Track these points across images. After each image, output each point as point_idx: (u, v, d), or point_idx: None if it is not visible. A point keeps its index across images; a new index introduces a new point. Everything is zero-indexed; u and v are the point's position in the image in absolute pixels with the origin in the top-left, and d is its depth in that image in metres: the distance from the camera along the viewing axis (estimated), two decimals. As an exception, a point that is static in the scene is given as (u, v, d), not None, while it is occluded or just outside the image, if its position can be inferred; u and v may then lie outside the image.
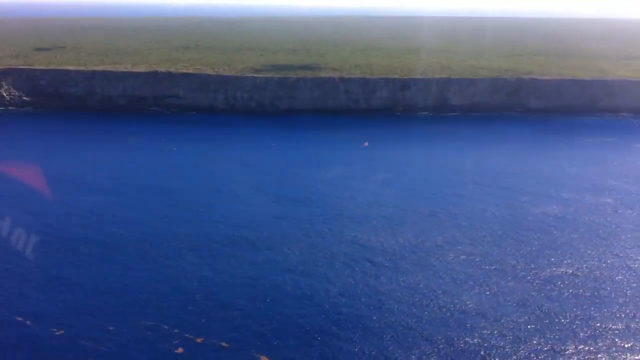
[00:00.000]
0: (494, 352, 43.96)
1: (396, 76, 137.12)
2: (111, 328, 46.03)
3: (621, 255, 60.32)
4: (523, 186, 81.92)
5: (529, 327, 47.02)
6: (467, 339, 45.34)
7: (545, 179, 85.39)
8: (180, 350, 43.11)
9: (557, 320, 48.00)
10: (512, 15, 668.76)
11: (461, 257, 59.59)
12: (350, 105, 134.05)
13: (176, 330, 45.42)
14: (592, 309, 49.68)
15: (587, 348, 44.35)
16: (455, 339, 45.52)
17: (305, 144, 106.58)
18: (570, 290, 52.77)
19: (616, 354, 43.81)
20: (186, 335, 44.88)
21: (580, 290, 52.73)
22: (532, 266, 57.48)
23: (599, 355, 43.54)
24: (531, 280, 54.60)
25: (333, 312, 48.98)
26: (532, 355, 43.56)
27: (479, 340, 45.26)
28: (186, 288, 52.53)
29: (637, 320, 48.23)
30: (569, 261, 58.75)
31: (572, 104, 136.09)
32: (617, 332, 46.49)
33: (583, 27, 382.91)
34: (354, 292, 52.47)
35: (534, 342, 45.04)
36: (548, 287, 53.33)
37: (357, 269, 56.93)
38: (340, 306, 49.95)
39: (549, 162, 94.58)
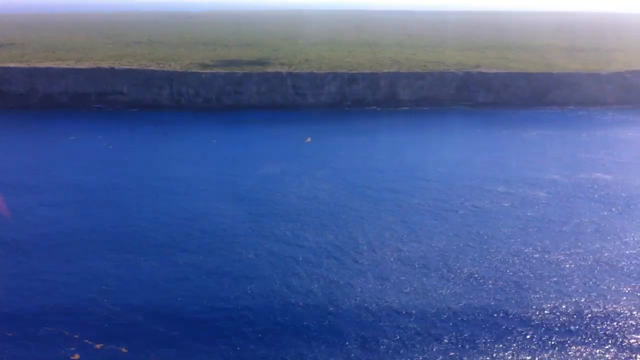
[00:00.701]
0: (408, 350, 43.04)
1: (345, 71, 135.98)
2: (9, 334, 44.11)
3: (547, 248, 59.91)
4: (461, 180, 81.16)
5: (450, 324, 46.19)
6: (381, 338, 44.37)
7: (484, 173, 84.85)
8: (76, 356, 41.35)
9: (475, 315, 47.31)
10: (470, 10, 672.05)
11: (389, 253, 58.62)
12: (297, 100, 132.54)
13: (76, 336, 43.61)
14: (512, 302, 49.05)
15: (500, 345, 43.74)
16: (369, 338, 44.55)
17: (248, 140, 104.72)
18: (492, 283, 52.15)
19: (530, 347, 43.29)
20: (86, 340, 43.10)
21: (501, 283, 52.14)
22: (458, 264, 56.64)
23: (512, 350, 42.92)
24: (456, 277, 53.80)
25: (245, 314, 47.55)
26: (449, 351, 42.80)
27: (394, 340, 44.32)
28: (96, 291, 50.63)
29: (559, 314, 47.65)
30: (497, 255, 58.10)
31: (520, 97, 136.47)
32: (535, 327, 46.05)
33: (537, 20, 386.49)
34: (272, 292, 51.14)
35: (452, 338, 44.27)
36: (473, 283, 52.61)
37: (280, 268, 55.59)
38: (254, 307, 48.54)
39: (491, 156, 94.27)
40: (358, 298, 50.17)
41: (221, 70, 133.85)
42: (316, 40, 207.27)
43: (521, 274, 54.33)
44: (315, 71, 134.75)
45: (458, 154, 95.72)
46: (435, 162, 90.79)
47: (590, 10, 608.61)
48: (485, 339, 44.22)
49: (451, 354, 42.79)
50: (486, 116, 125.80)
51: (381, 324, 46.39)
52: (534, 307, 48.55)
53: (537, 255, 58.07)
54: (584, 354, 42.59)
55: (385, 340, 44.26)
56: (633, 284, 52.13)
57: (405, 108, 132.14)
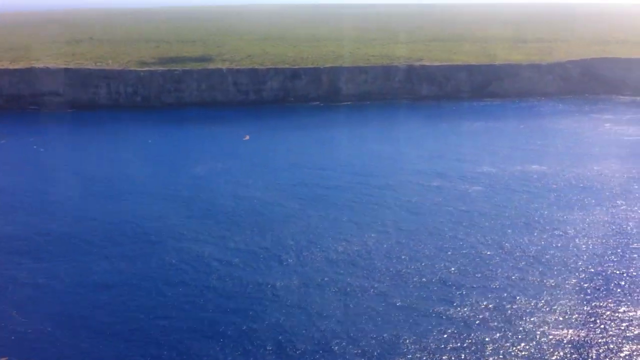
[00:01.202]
0: (325, 352, 42.09)
1: (287, 66, 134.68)
2: None
3: (476, 243, 59.55)
4: (396, 175, 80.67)
5: (370, 325, 45.31)
6: (298, 342, 43.30)
7: (420, 168, 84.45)
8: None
9: (397, 314, 46.56)
10: (421, 3, 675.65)
11: (316, 253, 57.53)
12: (239, 97, 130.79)
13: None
14: (435, 299, 48.40)
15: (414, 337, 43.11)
16: (285, 341, 43.45)
17: (185, 139, 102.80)
18: (417, 280, 51.49)
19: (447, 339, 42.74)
20: (-12, 355, 41.24)
21: (425, 280, 51.52)
22: (385, 262, 55.77)
23: (430, 350, 42.28)
24: (381, 276, 52.93)
25: (161, 323, 45.96)
26: (366, 353, 41.94)
27: (311, 343, 43.29)
28: (7, 302, 48.55)
29: (480, 310, 47.16)
30: (425, 252, 57.46)
31: (462, 90, 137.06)
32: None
33: (486, 12, 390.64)
34: (192, 297, 49.62)
35: (371, 340, 43.42)
36: (398, 281, 51.85)
37: (204, 272, 54.02)
38: (171, 315, 46.95)
39: (429, 149, 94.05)
40: (279, 301, 48.97)
41: (160, 68, 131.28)
42: (263, 36, 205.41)
43: (447, 270, 53.74)
44: (257, 67, 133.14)
45: (396, 148, 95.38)
46: (372, 157, 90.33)
47: (542, 2, 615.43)
48: (405, 339, 43.43)
49: (368, 356, 41.98)
50: (428, 109, 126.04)
51: (300, 327, 45.28)
52: (455, 303, 47.96)
53: (464, 251, 57.60)
54: (502, 350, 42.15)
55: (301, 345, 43.17)
56: (555, 277, 51.89)
57: (349, 103, 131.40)
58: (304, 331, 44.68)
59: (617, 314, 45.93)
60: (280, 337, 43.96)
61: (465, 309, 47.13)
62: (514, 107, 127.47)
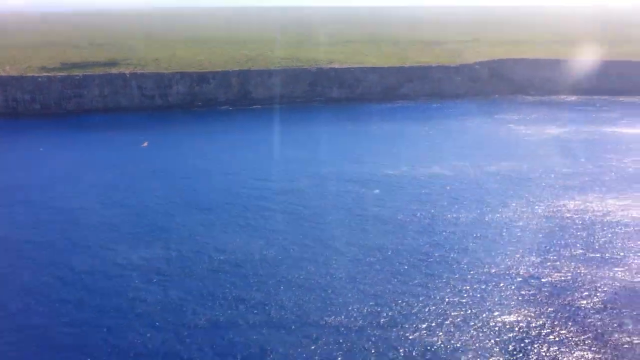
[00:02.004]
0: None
1: (195, 70, 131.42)
2: None
3: (365, 249, 58.26)
4: (294, 181, 78.92)
5: (242, 338, 43.23)
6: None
7: (321, 171, 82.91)
8: None
9: (274, 322, 44.59)
10: (349, 5, 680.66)
11: (200, 266, 55.03)
12: (144, 102, 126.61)
13: None
14: (313, 307, 46.71)
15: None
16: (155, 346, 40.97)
17: (79, 147, 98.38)
18: (299, 288, 49.69)
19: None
20: None
21: (307, 286, 49.80)
22: (271, 271, 53.80)
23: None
24: (262, 285, 50.87)
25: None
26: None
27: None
28: None
29: (357, 318, 45.62)
30: (313, 260, 55.68)
31: (372, 92, 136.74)
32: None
33: (407, 15, 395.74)
34: (60, 315, 46.52)
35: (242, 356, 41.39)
36: (280, 291, 49.94)
37: (81, 288, 50.92)
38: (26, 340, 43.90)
39: (331, 153, 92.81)
40: (156, 316, 46.35)
41: (60, 74, 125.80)
42: (176, 39, 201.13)
43: (333, 277, 52.13)
44: (162, 71, 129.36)
45: (302, 151, 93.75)
46: (277, 161, 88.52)
47: (467, 4, 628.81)
48: (278, 350, 41.58)
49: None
50: (338, 112, 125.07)
51: (173, 342, 42.89)
52: (334, 310, 46.33)
53: (350, 255, 56.17)
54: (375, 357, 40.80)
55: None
56: (424, 285, 50.84)
57: (258, 106, 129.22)
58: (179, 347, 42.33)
59: (495, 315, 45.27)
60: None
61: (342, 316, 45.57)
62: (423, 109, 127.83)
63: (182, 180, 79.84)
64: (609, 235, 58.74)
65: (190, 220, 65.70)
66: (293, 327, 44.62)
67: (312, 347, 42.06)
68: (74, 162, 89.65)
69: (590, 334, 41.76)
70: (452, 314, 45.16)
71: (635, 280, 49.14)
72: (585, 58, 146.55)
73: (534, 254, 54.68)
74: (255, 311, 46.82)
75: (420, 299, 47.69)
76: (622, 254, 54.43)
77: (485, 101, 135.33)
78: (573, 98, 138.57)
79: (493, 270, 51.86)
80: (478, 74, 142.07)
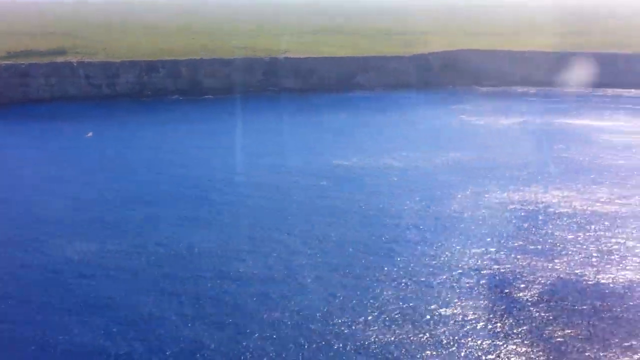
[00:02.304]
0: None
1: (144, 59, 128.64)
2: None
3: (305, 242, 57.16)
4: (240, 171, 77.70)
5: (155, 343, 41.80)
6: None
7: (267, 162, 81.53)
8: None
9: (197, 327, 43.19)
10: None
11: (121, 266, 53.30)
12: (92, 91, 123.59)
13: None
14: (245, 303, 45.48)
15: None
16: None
17: (23, 137, 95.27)
18: (232, 277, 48.34)
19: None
20: None
21: (236, 275, 48.51)
22: (199, 268, 52.46)
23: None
24: (189, 283, 49.47)
25: None
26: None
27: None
28: None
29: (281, 318, 44.48)
30: (249, 258, 54.47)
31: (327, 82, 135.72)
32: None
33: (370, 5, 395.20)
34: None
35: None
36: (210, 281, 48.57)
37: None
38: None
39: (282, 144, 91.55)
40: (86, 311, 44.49)
41: (5, 62, 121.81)
42: (131, 28, 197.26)
43: (271, 270, 50.76)
44: (110, 60, 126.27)
45: (250, 142, 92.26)
46: (223, 154, 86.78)
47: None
48: (210, 346, 40.22)
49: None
50: (290, 102, 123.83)
51: (102, 338, 41.20)
52: (269, 306, 45.03)
53: (292, 247, 54.95)
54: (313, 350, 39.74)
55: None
56: (363, 277, 49.87)
57: (210, 96, 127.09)
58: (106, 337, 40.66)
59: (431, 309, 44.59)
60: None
61: (278, 310, 44.35)
62: (377, 99, 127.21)
63: (126, 172, 77.69)
64: (551, 227, 58.61)
65: (133, 213, 63.73)
66: (227, 321, 43.33)
67: (244, 343, 40.81)
68: (14, 153, 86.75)
69: (525, 327, 41.24)
70: (389, 307, 44.24)
71: (574, 272, 48.95)
72: (539, 50, 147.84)
73: (475, 246, 54.18)
74: (189, 305, 45.33)
75: (358, 292, 46.68)
76: (562, 245, 54.27)
77: (440, 92, 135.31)
78: (525, 89, 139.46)
79: (434, 262, 51.19)
80: (431, 65, 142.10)
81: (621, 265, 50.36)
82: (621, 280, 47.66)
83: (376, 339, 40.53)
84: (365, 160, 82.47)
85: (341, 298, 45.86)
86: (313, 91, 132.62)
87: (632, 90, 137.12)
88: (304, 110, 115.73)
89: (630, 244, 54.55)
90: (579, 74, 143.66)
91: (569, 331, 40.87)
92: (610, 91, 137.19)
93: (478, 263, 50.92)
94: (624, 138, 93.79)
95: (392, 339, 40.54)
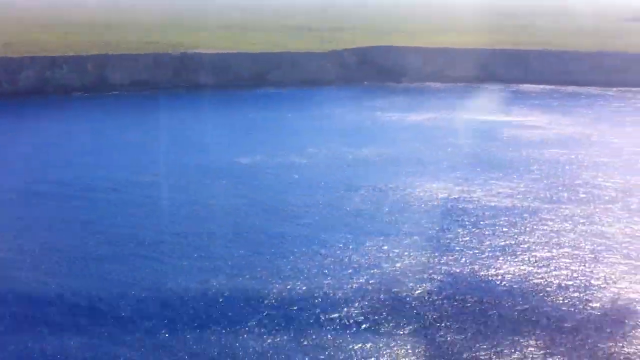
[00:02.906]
0: None
1: (45, 54, 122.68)
2: None
3: (188, 242, 54.54)
4: (132, 171, 74.05)
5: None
6: None
7: (166, 160, 78.37)
8: None
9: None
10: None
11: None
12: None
13: None
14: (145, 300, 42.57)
15: None
16: None
17: None
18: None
19: None
20: None
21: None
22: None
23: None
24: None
25: None
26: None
27: None
28: None
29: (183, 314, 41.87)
30: (130, 261, 51.43)
31: (240, 78, 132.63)
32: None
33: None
34: None
35: None
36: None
37: None
38: None
39: (181, 142, 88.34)
40: None
41: None
42: (34, 23, 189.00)
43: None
44: (10, 56, 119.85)
45: (149, 140, 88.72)
46: (119, 152, 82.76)
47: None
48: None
49: None
50: (200, 99, 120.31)
51: None
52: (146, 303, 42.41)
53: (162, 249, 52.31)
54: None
55: None
56: (249, 281, 47.93)
57: (117, 92, 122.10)
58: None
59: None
60: None
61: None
62: (291, 96, 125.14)
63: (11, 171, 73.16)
64: (449, 222, 57.81)
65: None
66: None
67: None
68: None
69: (410, 326, 39.92)
70: (273, 311, 42.12)
71: (465, 268, 48.05)
72: (453, 47, 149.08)
73: (369, 243, 52.66)
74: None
75: (241, 294, 44.47)
76: (457, 241, 53.43)
77: (355, 88, 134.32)
78: (440, 85, 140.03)
79: (325, 261, 49.39)
80: (347, 61, 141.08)
81: (513, 261, 49.79)
82: (510, 276, 47.01)
83: (255, 345, 38.31)
84: (270, 158, 80.00)
85: (223, 303, 43.47)
86: (225, 88, 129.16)
87: (542, 85, 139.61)
88: (214, 107, 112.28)
89: (523, 238, 54.23)
90: (492, 70, 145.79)
91: (456, 328, 39.74)
92: (521, 87, 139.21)
93: (370, 261, 49.37)
94: (529, 132, 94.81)
95: (273, 343, 38.43)
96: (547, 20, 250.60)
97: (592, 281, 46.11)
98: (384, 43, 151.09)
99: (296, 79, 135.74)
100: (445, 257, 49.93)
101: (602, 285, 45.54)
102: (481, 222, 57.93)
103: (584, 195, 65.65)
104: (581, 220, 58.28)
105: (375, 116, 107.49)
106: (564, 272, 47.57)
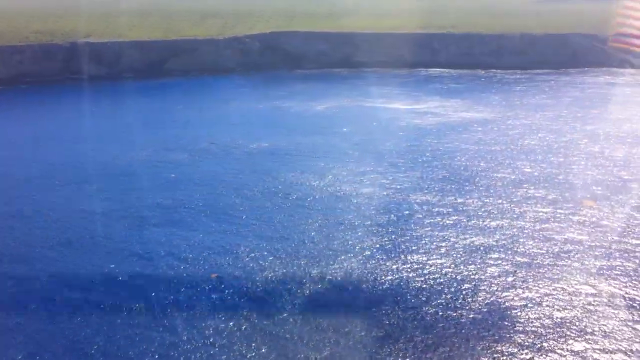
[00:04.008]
0: None
1: None
2: None
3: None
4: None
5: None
6: None
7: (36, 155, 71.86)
8: None
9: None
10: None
11: None
12: None
13: None
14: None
15: None
16: None
17: None
18: None
19: None
20: None
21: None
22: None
23: None
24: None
25: None
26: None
27: None
28: None
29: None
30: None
31: (135, 68, 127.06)
32: None
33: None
34: None
35: None
36: None
37: None
38: None
39: (54, 138, 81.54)
40: None
41: None
42: None
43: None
44: None
45: (16, 137, 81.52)
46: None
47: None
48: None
49: None
50: (90, 91, 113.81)
51: None
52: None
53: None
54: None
55: None
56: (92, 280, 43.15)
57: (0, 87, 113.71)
58: None
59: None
60: None
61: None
62: (188, 85, 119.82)
63: None
64: (341, 220, 54.04)
65: None
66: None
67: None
68: None
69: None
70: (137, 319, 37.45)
71: (338, 273, 44.43)
72: (360, 31, 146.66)
73: (244, 245, 48.34)
74: None
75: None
76: (338, 241, 49.78)
77: (258, 76, 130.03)
78: (345, 71, 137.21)
79: (184, 266, 44.87)
80: (249, 47, 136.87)
81: (402, 259, 46.46)
82: (398, 278, 43.64)
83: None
84: (150, 154, 74.23)
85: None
86: (119, 79, 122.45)
87: (448, 69, 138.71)
88: (98, 101, 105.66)
89: (418, 233, 50.95)
90: (400, 55, 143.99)
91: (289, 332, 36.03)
92: (429, 71, 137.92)
93: (240, 265, 45.10)
94: (432, 120, 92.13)
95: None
96: (457, 2, 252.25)
97: (465, 285, 43.17)
98: (291, 28, 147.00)
99: (195, 67, 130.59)
100: (318, 261, 46.16)
101: (474, 289, 42.67)
102: (378, 217, 54.40)
103: (472, 187, 63.08)
104: (467, 215, 55.56)
105: (275, 105, 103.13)
106: (437, 274, 44.51)
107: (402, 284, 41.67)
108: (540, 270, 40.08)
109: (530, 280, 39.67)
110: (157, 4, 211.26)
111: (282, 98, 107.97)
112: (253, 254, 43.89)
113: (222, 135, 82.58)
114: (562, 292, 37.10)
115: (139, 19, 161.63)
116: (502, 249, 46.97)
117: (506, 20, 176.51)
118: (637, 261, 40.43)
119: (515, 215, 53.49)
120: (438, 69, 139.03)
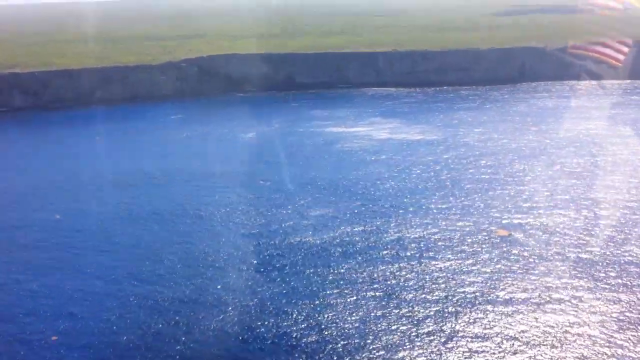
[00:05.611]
0: None
1: None
2: None
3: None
4: None
5: None
6: None
7: None
8: None
9: None
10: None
11: None
12: None
13: None
14: None
15: None
16: None
17: None
18: None
19: None
20: None
21: None
22: None
23: None
24: None
25: None
26: None
27: None
28: None
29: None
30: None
31: (63, 98, 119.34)
32: None
33: (133, 9, 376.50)
34: None
35: None
36: None
37: None
38: None
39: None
40: None
41: None
42: None
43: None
44: None
45: None
46: None
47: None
48: None
49: None
50: (13, 123, 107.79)
51: None
52: None
53: None
54: None
55: None
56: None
57: None
58: None
59: None
60: None
61: None
62: (116, 115, 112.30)
63: None
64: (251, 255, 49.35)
65: None
66: None
67: None
68: None
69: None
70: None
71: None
72: (309, 52, 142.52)
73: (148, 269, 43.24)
74: None
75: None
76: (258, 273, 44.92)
77: (193, 101, 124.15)
78: (285, 94, 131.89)
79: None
80: (186, 73, 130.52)
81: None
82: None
83: None
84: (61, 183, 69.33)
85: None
86: (46, 109, 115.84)
87: (393, 88, 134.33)
88: (25, 133, 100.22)
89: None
90: (344, 74, 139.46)
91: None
92: (374, 90, 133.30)
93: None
94: (370, 142, 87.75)
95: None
96: (408, 17, 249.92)
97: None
98: (226, 51, 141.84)
99: (127, 95, 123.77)
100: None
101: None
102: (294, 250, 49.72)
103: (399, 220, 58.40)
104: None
105: (204, 131, 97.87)
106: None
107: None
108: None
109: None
110: (99, 30, 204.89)
111: (208, 123, 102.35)
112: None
113: (145, 161, 78.14)
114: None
115: (72, 46, 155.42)
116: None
117: (453, 35, 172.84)
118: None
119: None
120: (382, 88, 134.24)
